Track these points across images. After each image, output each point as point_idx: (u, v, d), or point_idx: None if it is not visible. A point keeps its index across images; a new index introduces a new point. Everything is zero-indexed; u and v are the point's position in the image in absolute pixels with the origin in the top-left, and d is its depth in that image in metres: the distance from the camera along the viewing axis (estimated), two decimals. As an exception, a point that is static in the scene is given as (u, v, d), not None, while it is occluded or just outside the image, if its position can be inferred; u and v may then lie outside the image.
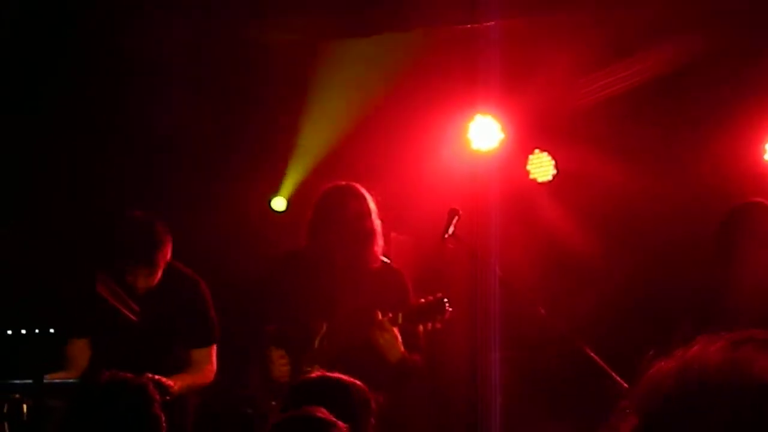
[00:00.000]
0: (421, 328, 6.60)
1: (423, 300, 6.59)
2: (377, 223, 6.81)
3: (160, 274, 6.94)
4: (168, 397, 6.27)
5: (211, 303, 7.16)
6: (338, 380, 4.80)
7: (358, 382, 4.77)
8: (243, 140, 9.65)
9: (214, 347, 7.15)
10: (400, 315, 6.48)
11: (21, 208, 8.69)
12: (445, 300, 6.55)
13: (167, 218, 7.11)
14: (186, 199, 9.13)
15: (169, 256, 6.97)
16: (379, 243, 6.81)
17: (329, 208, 6.80)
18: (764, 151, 8.87)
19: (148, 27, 8.55)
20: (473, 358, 7.73)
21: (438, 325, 6.55)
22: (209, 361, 7.09)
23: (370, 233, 6.78)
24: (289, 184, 9.71)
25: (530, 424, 8.49)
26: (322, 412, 4.04)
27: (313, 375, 5.00)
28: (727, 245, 6.48)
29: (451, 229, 6.85)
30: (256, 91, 9.56)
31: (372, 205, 6.83)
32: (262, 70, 9.49)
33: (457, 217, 6.89)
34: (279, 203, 9.92)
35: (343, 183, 6.90)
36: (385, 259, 6.91)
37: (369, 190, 6.92)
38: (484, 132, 9.30)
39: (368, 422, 4.69)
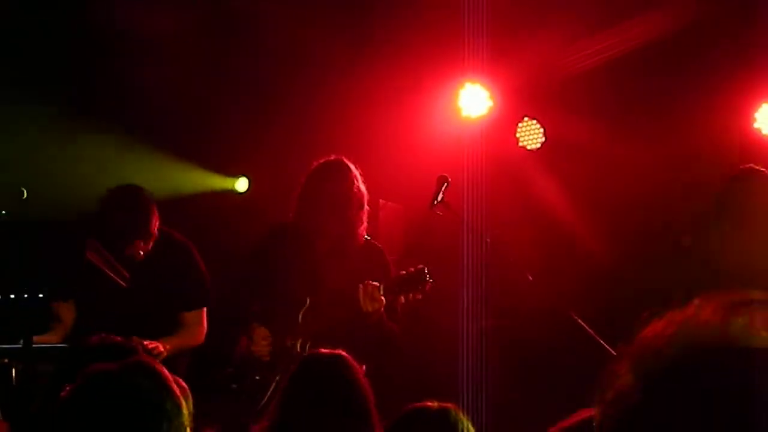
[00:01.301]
0: (402, 299, 6.62)
1: (404, 272, 6.61)
2: (364, 199, 6.82)
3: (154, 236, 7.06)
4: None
5: (203, 266, 7.24)
6: (347, 358, 4.83)
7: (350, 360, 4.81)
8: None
9: (205, 310, 7.23)
10: (382, 287, 6.49)
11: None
12: (426, 271, 6.56)
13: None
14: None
15: (158, 221, 7.01)
16: (364, 220, 6.83)
17: (318, 183, 6.81)
18: (754, 120, 8.88)
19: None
20: (461, 324, 7.74)
21: (419, 296, 6.56)
22: (200, 323, 7.21)
23: (357, 210, 6.80)
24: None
25: (518, 391, 8.52)
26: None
27: (323, 351, 4.99)
28: (726, 211, 6.46)
29: (440, 196, 6.86)
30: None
31: (360, 183, 6.86)
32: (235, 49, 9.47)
33: (446, 185, 6.90)
34: (241, 184, 9.92)
35: (333, 158, 6.90)
36: (366, 236, 6.94)
37: (358, 158, 6.93)
38: (474, 99, 9.30)
39: (372, 403, 4.74)
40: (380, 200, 8.21)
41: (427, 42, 9.16)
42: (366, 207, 6.83)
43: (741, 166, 6.53)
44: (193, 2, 8.89)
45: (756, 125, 8.88)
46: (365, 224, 6.86)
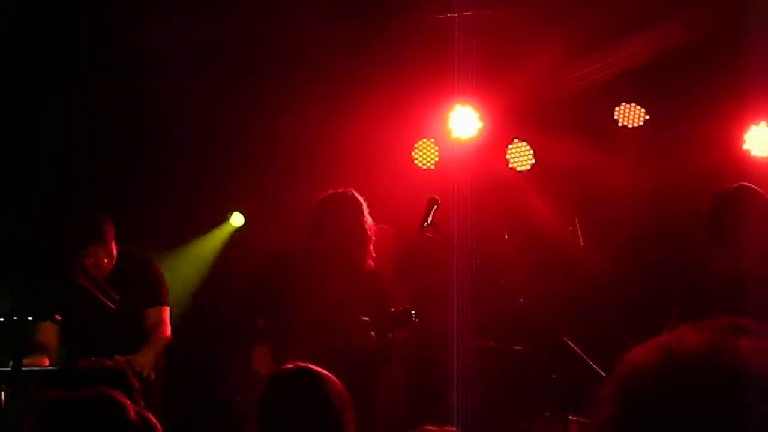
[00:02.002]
0: (389, 335, 6.91)
1: (393, 309, 6.86)
2: (372, 229, 6.97)
3: (115, 254, 7.22)
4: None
5: (162, 277, 7.40)
6: (314, 371, 4.82)
7: (332, 376, 4.81)
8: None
9: (167, 309, 7.32)
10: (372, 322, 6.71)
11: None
12: (413, 312, 6.80)
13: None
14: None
15: (113, 235, 7.22)
16: (372, 249, 6.99)
17: (330, 216, 6.96)
18: (743, 141, 8.91)
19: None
20: (450, 346, 7.73)
21: (404, 334, 6.70)
22: (163, 321, 7.29)
23: (367, 240, 6.99)
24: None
25: (505, 412, 8.50)
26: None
27: (290, 366, 5.00)
28: (718, 230, 6.48)
29: (430, 218, 6.87)
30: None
31: (367, 213, 7.04)
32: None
33: (436, 206, 6.91)
34: (237, 219, 9.91)
35: (342, 191, 7.07)
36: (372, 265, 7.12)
37: (348, 180, 7.04)
38: (464, 121, 9.32)
39: (345, 415, 4.71)
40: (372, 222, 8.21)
41: (418, 65, 9.18)
42: (373, 237, 6.99)
43: (734, 184, 6.55)
44: (185, 42, 8.89)
45: (745, 147, 8.91)
46: (373, 253, 6.97)
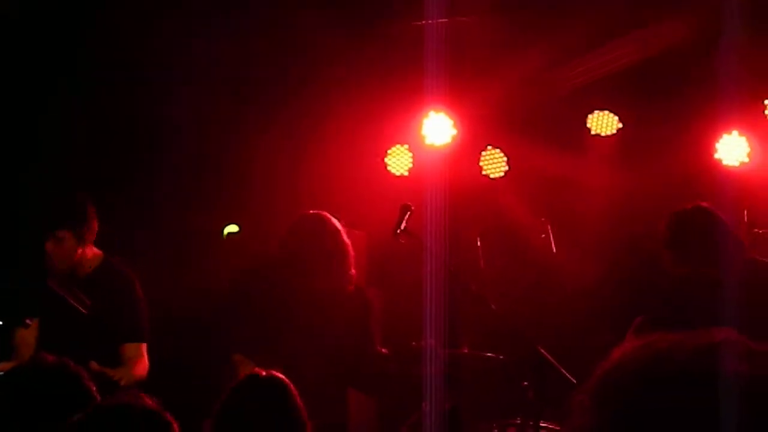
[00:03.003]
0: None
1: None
2: (349, 248, 7.04)
3: (89, 253, 7.06)
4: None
5: (143, 300, 7.18)
6: (285, 381, 4.84)
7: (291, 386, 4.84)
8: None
9: (145, 346, 7.14)
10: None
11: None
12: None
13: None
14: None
15: (95, 229, 7.05)
16: (352, 268, 7.02)
17: (308, 235, 6.97)
18: (715, 150, 8.95)
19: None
20: (424, 353, 7.71)
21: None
22: (141, 356, 7.09)
23: (344, 260, 7.04)
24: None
25: (478, 419, 8.50)
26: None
27: (262, 373, 4.99)
28: (680, 247, 6.54)
29: (403, 225, 6.88)
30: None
31: (344, 234, 7.13)
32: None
33: (409, 213, 6.92)
34: (232, 228, 9.85)
35: (317, 212, 7.11)
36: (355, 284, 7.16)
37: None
38: (438, 128, 9.33)
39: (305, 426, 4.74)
40: (345, 228, 8.21)
41: (392, 71, 9.19)
42: (352, 255, 7.00)
43: (693, 203, 6.63)
44: (180, 58, 8.89)
45: (717, 156, 8.94)
46: (353, 272, 6.97)
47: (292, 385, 4.83)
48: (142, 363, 7.07)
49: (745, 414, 1.65)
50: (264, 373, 4.90)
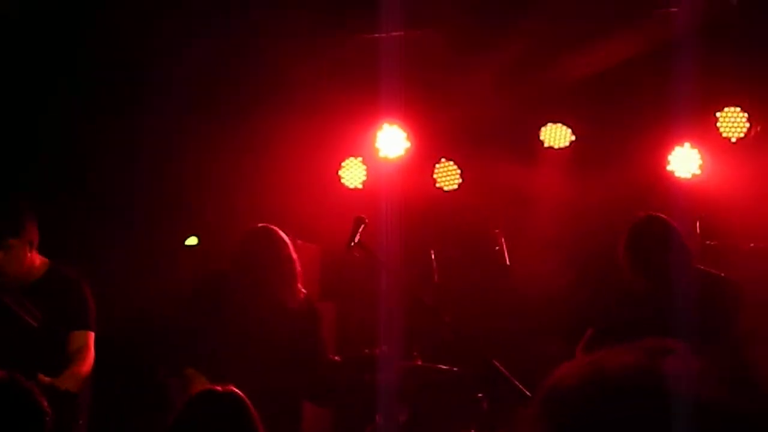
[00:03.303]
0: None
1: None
2: (296, 261, 6.98)
3: (37, 261, 7.01)
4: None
5: (92, 299, 7.14)
6: (241, 397, 4.82)
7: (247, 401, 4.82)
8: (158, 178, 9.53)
9: (92, 335, 7.08)
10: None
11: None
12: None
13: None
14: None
15: (36, 237, 6.98)
16: (298, 281, 7.01)
17: (255, 249, 6.97)
18: (668, 162, 8.99)
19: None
20: (377, 365, 7.70)
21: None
22: (88, 347, 7.03)
23: (291, 272, 7.00)
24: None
25: (431, 431, 8.50)
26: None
27: (218, 388, 4.96)
28: (633, 256, 6.58)
29: (357, 238, 6.87)
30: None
31: (291, 247, 7.07)
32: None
33: (363, 225, 6.91)
34: (192, 240, 9.79)
35: (265, 225, 7.07)
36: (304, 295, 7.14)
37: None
38: (391, 140, 9.34)
39: None
40: (297, 241, 8.20)
41: (346, 84, 9.19)
42: (299, 269, 7.00)
43: (647, 213, 6.66)
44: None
45: (669, 168, 8.99)
46: (299, 284, 6.97)
47: (248, 400, 4.81)
48: (89, 355, 7.00)
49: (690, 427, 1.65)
50: (220, 388, 4.87)
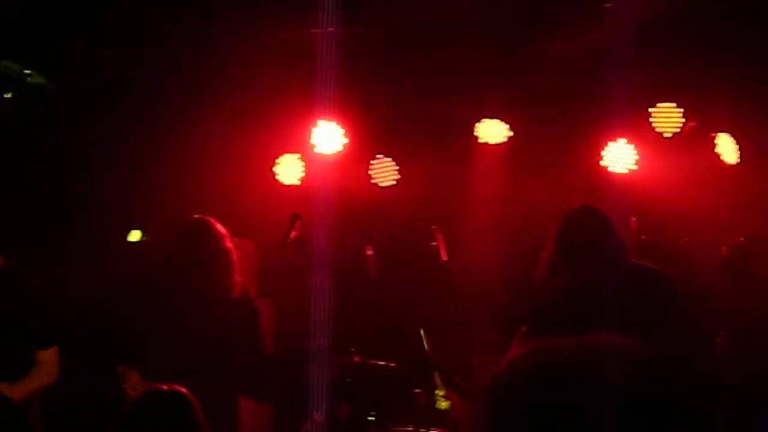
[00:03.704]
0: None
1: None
2: (233, 254, 6.94)
3: None
4: None
5: (50, 306, 7.02)
6: (186, 395, 4.80)
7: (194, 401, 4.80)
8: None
9: (57, 348, 6.98)
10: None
11: None
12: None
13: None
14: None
15: None
16: (235, 274, 6.96)
17: (191, 241, 6.90)
18: (601, 157, 9.05)
19: None
20: (312, 362, 7.70)
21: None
22: (54, 362, 6.93)
23: (228, 266, 6.92)
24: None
25: (369, 427, 8.50)
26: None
27: (164, 387, 4.94)
28: (561, 252, 6.61)
29: (293, 234, 6.85)
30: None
31: (227, 239, 6.99)
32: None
33: (299, 222, 6.89)
34: (135, 235, 9.69)
35: (199, 217, 6.99)
36: (243, 289, 7.11)
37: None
38: (328, 137, 9.33)
39: None
40: (234, 237, 8.17)
41: (282, 80, 9.16)
42: (236, 261, 6.95)
43: (578, 206, 6.69)
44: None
45: (603, 163, 9.05)
46: (238, 278, 6.94)
47: (194, 399, 4.79)
48: (53, 368, 6.89)
49: (627, 417, 1.66)
50: (166, 388, 4.85)
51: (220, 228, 7.02)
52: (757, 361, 7.65)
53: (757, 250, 6.08)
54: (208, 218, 7.06)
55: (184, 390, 4.80)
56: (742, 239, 6.04)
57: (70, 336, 7.41)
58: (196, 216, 7.10)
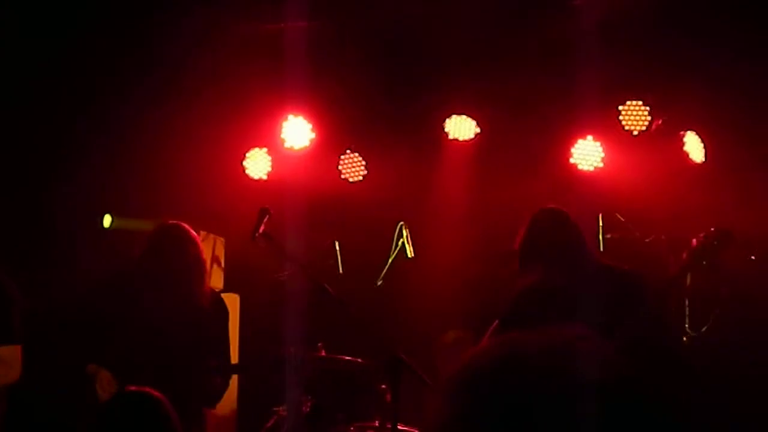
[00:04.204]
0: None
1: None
2: (203, 258, 6.96)
3: None
4: None
5: (17, 303, 6.95)
6: (156, 396, 4.79)
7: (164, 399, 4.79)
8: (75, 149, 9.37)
9: (19, 347, 6.91)
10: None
11: None
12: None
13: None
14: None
15: None
16: (206, 278, 6.99)
17: (163, 247, 6.89)
18: (570, 155, 9.07)
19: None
20: (281, 356, 7.69)
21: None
22: (12, 361, 6.86)
23: (200, 270, 6.89)
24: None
25: (335, 422, 8.50)
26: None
27: (132, 388, 4.93)
28: (529, 254, 6.63)
29: (261, 229, 6.83)
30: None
31: (200, 243, 6.99)
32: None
33: (267, 217, 6.87)
34: (107, 221, 9.60)
35: (175, 223, 7.00)
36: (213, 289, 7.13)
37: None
38: (296, 132, 9.32)
39: None
40: (201, 232, 8.16)
41: (250, 74, 9.13)
42: (207, 267, 6.98)
43: (545, 206, 6.71)
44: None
45: (572, 160, 9.07)
46: (208, 281, 6.96)
47: (166, 400, 4.78)
48: (17, 366, 6.80)
49: (595, 412, 1.67)
50: (136, 389, 4.84)
51: (193, 234, 7.02)
52: (724, 351, 7.75)
53: (726, 242, 6.10)
54: (183, 224, 7.04)
55: (156, 393, 4.79)
56: (712, 229, 6.06)
57: (38, 334, 7.37)
58: (172, 222, 7.09)
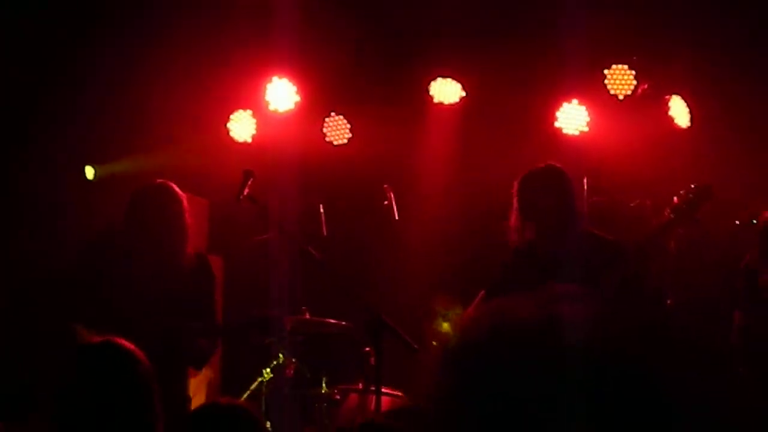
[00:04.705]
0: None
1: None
2: (188, 218, 6.88)
3: None
4: None
5: None
6: (122, 345, 4.74)
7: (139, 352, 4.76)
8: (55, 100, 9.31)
9: None
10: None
11: None
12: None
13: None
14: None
15: None
16: (191, 238, 6.92)
17: (147, 207, 6.82)
18: (555, 119, 9.06)
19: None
20: (264, 319, 7.69)
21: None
22: None
23: (184, 230, 6.83)
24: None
25: (319, 385, 8.52)
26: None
27: (97, 339, 4.89)
28: (523, 208, 6.60)
29: (245, 191, 6.80)
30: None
31: (185, 203, 6.90)
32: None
33: (251, 179, 6.84)
34: (89, 173, 9.54)
35: (160, 182, 6.92)
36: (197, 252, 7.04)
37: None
38: (281, 94, 9.29)
39: (152, 389, 4.65)
40: (186, 193, 8.14)
41: (235, 36, 9.10)
42: (190, 226, 6.90)
43: (537, 165, 6.67)
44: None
45: (557, 124, 9.07)
46: (191, 241, 6.91)
47: (134, 348, 4.72)
48: None
49: (583, 374, 1.67)
50: (104, 339, 4.79)
51: (179, 193, 6.94)
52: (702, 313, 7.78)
53: (705, 196, 6.11)
54: (169, 183, 6.97)
55: (120, 340, 4.72)
56: (692, 186, 6.08)
57: (19, 293, 7.36)
58: (159, 180, 7.02)
